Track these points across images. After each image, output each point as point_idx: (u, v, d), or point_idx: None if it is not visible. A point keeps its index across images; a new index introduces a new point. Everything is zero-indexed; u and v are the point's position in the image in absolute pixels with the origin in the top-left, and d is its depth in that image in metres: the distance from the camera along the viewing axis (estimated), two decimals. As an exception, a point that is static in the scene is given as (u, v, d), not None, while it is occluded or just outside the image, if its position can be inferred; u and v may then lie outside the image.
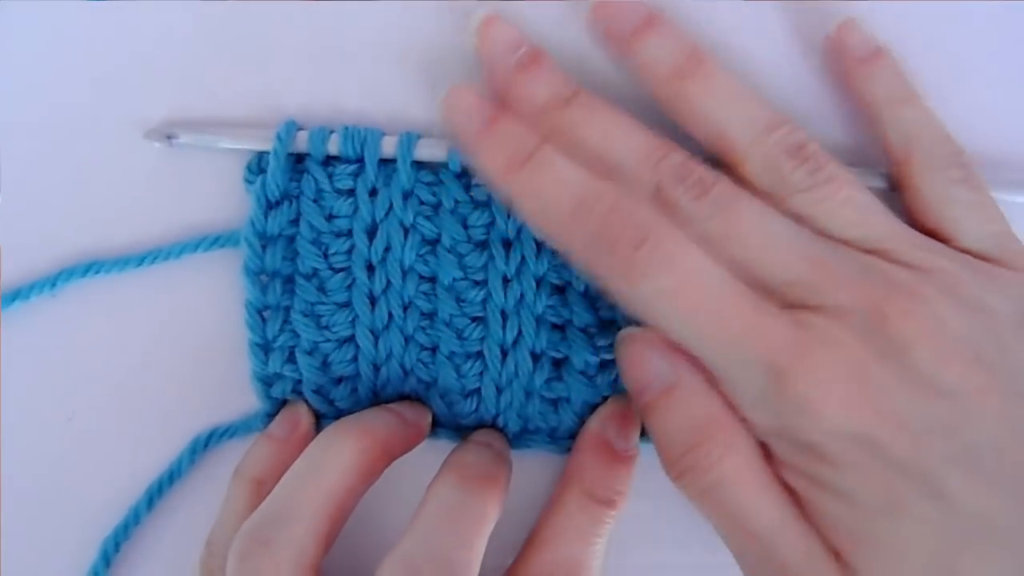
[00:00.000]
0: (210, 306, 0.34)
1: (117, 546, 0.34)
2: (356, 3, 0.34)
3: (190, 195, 0.34)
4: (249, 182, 0.33)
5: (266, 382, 0.33)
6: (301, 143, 0.32)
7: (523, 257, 0.32)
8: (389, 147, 0.32)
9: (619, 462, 0.32)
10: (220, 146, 0.33)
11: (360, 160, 0.32)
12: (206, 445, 0.34)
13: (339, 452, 0.29)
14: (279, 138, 0.32)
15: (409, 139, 0.32)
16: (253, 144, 0.33)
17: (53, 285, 0.34)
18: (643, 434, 0.33)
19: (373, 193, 0.32)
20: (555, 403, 0.33)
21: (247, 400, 0.34)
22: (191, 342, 0.34)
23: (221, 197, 0.34)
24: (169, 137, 0.33)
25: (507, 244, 0.32)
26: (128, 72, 0.34)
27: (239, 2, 0.34)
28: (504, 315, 0.33)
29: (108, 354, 0.34)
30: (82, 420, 0.34)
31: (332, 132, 0.32)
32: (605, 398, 0.33)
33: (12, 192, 0.34)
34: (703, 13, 0.33)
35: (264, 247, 0.33)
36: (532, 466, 0.34)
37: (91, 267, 0.34)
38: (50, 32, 0.34)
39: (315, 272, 0.33)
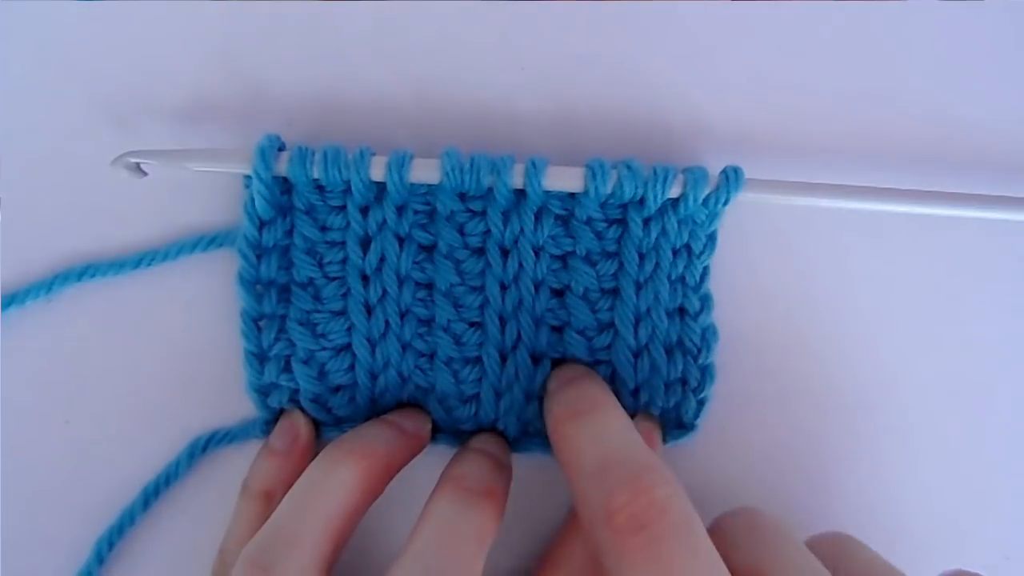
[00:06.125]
0: (207, 308, 0.34)
1: (111, 545, 0.34)
2: (355, 3, 0.34)
3: (187, 196, 0.34)
4: (248, 187, 0.33)
5: (262, 392, 0.33)
6: (287, 157, 0.31)
7: (521, 264, 0.32)
8: (379, 168, 0.31)
9: None
10: (194, 170, 0.32)
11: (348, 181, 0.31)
12: (204, 449, 0.34)
13: (341, 476, 0.29)
14: (260, 162, 0.31)
15: (401, 162, 0.31)
16: (229, 167, 0.31)
17: (49, 289, 0.33)
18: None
19: (365, 211, 0.32)
20: (554, 407, 0.33)
21: (246, 403, 0.34)
22: (188, 345, 0.34)
23: (218, 197, 0.34)
24: (138, 164, 0.31)
25: (504, 252, 0.32)
26: (125, 74, 0.34)
27: (236, 3, 0.34)
28: (503, 320, 0.32)
29: (105, 357, 0.34)
30: (79, 424, 0.34)
31: (315, 153, 0.31)
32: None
33: (7, 195, 0.34)
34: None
35: (259, 257, 0.32)
36: (534, 470, 0.34)
37: (87, 270, 0.34)
38: (47, 35, 0.34)
39: (310, 281, 0.33)
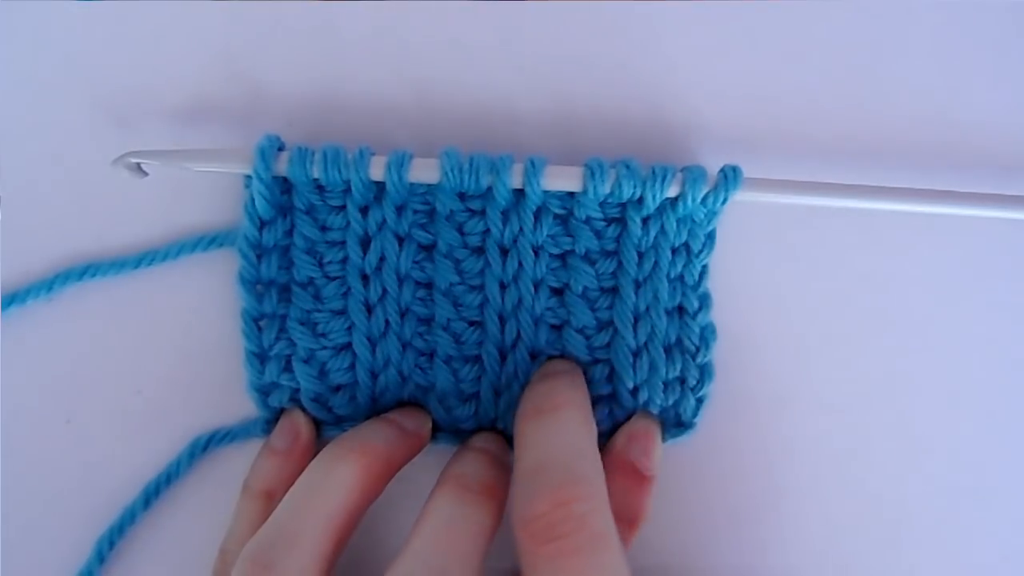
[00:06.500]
0: (208, 308, 0.34)
1: (112, 544, 0.34)
2: (355, 4, 0.34)
3: (187, 196, 0.34)
4: (248, 187, 0.33)
5: (263, 391, 0.33)
6: (287, 157, 0.31)
7: (520, 263, 0.32)
8: (378, 167, 0.31)
9: (643, 483, 0.32)
10: (194, 170, 0.32)
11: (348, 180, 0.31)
12: (205, 448, 0.34)
13: (341, 474, 0.29)
14: (260, 162, 0.31)
15: (400, 161, 0.31)
16: (229, 167, 0.31)
17: (50, 289, 0.34)
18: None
19: (365, 210, 0.32)
20: (552, 405, 0.33)
21: (246, 402, 0.34)
22: (189, 344, 0.34)
23: (219, 197, 0.34)
24: (139, 164, 0.31)
25: (503, 251, 0.32)
26: (125, 74, 0.34)
27: (237, 4, 0.34)
28: (502, 319, 0.32)
29: (106, 357, 0.34)
30: (80, 423, 0.34)
31: (315, 153, 0.31)
32: (598, 397, 0.33)
33: (7, 195, 0.34)
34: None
35: (259, 257, 0.32)
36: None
37: (88, 270, 0.34)
38: (47, 35, 0.34)
39: (311, 280, 0.33)
